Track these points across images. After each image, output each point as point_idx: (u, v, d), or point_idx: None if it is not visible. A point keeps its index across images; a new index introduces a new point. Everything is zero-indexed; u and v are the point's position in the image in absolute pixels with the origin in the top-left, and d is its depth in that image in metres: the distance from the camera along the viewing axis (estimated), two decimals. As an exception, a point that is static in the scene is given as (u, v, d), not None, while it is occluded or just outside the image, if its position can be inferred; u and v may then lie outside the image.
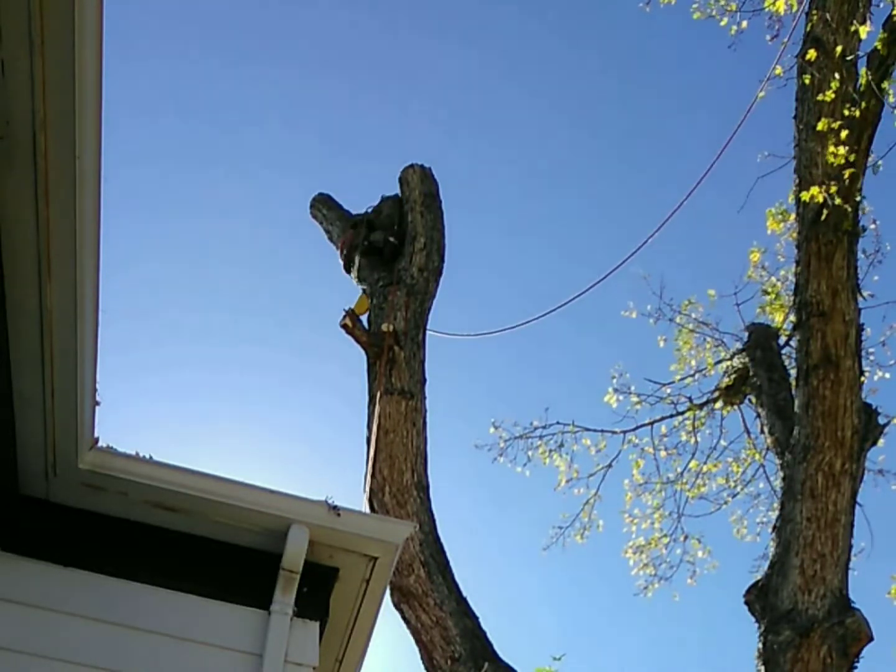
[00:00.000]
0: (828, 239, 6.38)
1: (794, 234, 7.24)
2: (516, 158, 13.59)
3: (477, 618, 6.05)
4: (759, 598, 5.95)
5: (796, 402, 6.55)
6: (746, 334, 8.66)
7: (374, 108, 13.40)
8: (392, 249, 7.64)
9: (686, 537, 9.48)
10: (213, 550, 3.59)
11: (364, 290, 7.62)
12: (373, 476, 6.31)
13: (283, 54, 12.79)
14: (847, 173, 6.08)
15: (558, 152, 14.07)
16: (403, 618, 6.00)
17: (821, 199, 6.15)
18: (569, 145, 13.91)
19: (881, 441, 6.85)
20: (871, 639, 5.51)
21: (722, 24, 7.96)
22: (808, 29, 6.82)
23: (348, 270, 7.96)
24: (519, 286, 14.15)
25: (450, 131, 13.26)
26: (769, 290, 9.28)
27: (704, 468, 9.56)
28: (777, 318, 8.96)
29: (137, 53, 10.49)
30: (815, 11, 6.77)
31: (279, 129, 13.12)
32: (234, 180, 12.86)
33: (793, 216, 7.63)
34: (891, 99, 6.05)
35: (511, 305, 14.28)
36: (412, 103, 13.41)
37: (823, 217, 6.25)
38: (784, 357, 8.18)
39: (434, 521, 6.36)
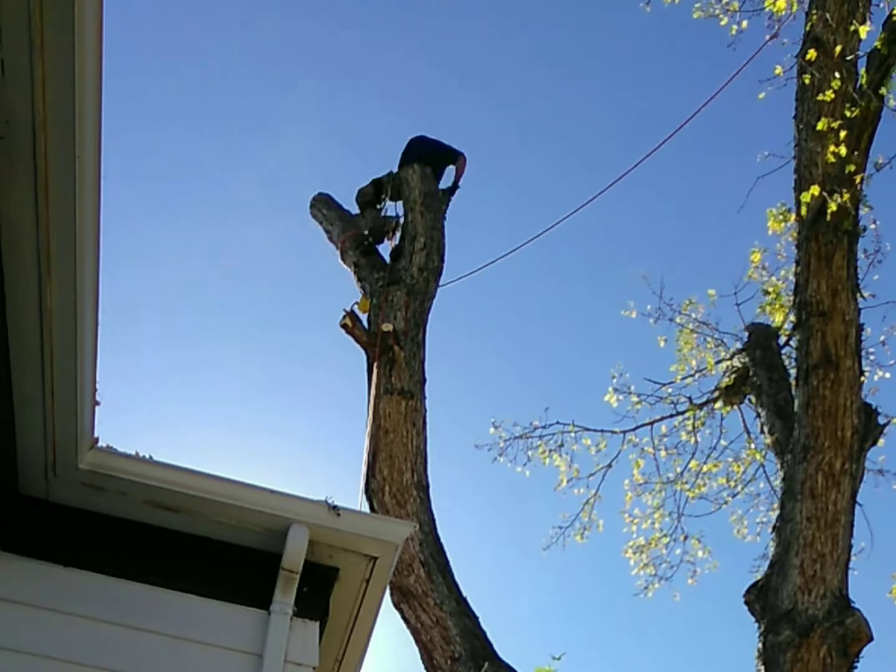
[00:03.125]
0: (828, 239, 6.38)
1: (795, 234, 7.24)
2: (508, 171, 13.59)
3: (477, 618, 6.05)
4: (759, 598, 5.95)
5: (796, 402, 6.55)
6: (746, 334, 8.66)
7: (366, 114, 13.43)
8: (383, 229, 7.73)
9: (686, 537, 9.49)
10: (213, 550, 3.59)
11: (364, 290, 7.62)
12: (373, 476, 6.31)
13: (279, 61, 12.82)
14: (848, 168, 6.07)
15: (552, 155, 14.08)
16: (403, 618, 6.00)
17: (816, 192, 6.13)
18: (563, 150, 13.91)
19: (881, 441, 6.84)
20: (871, 639, 5.51)
21: (722, 23, 7.96)
22: (808, 29, 6.82)
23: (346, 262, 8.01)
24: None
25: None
26: (769, 290, 9.28)
27: (704, 468, 9.56)
28: (777, 318, 8.96)
29: (134, 59, 10.51)
30: (815, 11, 6.77)
31: (271, 134, 13.15)
32: (235, 183, 12.88)
33: (793, 216, 7.63)
34: (891, 103, 6.03)
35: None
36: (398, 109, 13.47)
37: (825, 217, 6.25)
38: (784, 357, 8.17)
39: (434, 521, 6.36)
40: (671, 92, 13.52)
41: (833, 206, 6.08)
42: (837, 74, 6.35)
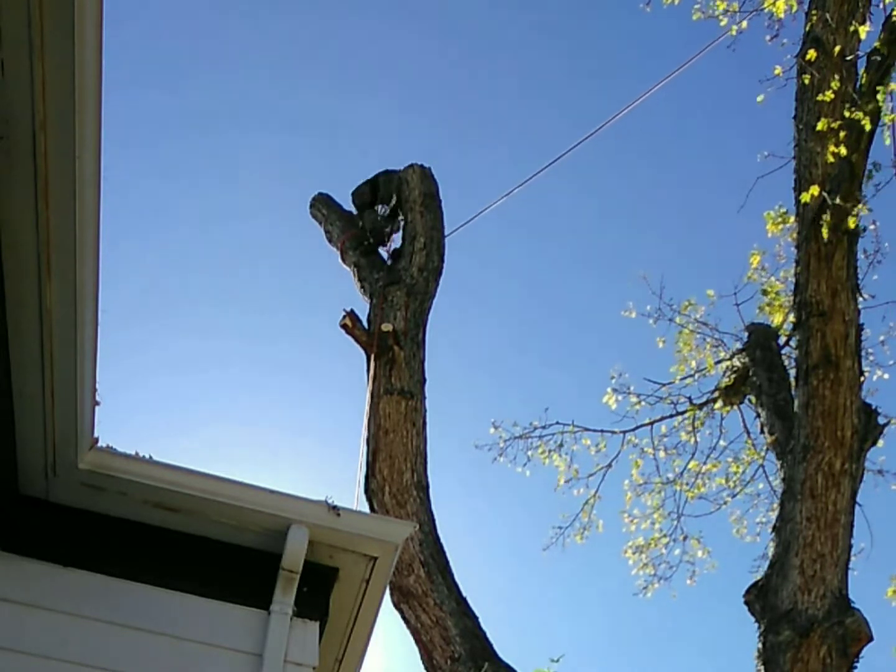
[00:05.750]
0: (828, 239, 6.38)
1: (794, 235, 7.24)
2: (515, 157, 13.60)
3: (477, 618, 6.06)
4: (759, 598, 5.95)
5: (796, 402, 6.55)
6: (746, 334, 8.66)
7: (371, 110, 13.42)
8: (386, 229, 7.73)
9: (686, 537, 9.48)
10: (213, 550, 3.59)
11: (364, 290, 7.62)
12: (373, 476, 6.31)
13: (275, 60, 12.82)
14: (849, 169, 6.07)
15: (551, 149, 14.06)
16: (403, 618, 6.00)
17: (816, 192, 6.13)
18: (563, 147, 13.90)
19: (881, 441, 6.85)
20: (870, 639, 5.51)
21: (722, 24, 7.96)
22: (808, 29, 6.82)
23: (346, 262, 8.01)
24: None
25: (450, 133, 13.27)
26: (769, 290, 9.28)
27: (704, 468, 9.55)
28: (777, 319, 8.96)
29: (134, 59, 10.51)
30: (814, 11, 6.78)
31: (272, 131, 13.15)
32: (232, 182, 12.88)
33: (792, 218, 7.63)
34: (888, 119, 6.02)
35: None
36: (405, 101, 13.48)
37: (825, 217, 6.26)
38: (784, 357, 8.18)
39: (434, 521, 6.36)
40: (671, 92, 13.51)
41: (832, 207, 6.05)
42: (837, 75, 6.36)
